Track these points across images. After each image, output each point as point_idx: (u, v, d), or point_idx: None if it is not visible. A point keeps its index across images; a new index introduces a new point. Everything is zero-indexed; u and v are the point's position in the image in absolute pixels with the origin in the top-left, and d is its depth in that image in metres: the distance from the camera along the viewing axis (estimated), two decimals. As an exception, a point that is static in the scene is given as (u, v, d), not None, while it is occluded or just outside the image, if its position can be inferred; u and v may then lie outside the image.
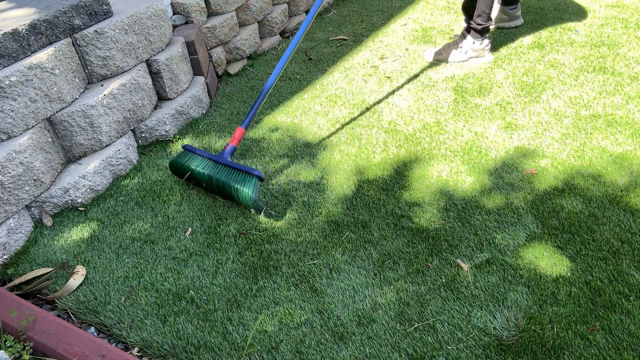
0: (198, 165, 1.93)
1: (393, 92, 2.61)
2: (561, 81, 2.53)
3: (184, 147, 2.01)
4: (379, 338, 1.46)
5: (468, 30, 2.71)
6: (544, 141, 2.14)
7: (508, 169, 2.02)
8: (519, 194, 1.89)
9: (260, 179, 1.82)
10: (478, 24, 2.62)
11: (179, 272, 1.72)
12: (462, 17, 3.34)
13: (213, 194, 2.00)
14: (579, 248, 1.66)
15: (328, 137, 2.32)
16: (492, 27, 3.13)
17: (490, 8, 2.61)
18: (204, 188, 1.99)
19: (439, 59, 2.81)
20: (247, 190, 1.80)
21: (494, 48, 2.90)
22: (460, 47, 2.74)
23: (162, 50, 2.39)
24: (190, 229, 1.89)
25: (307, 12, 3.66)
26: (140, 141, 2.35)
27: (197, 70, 2.64)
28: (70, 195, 1.97)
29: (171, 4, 2.73)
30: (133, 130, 2.31)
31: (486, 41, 2.70)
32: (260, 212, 1.90)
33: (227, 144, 1.94)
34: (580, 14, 3.20)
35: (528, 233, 1.73)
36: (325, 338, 1.47)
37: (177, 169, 2.02)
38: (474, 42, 2.69)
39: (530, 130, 2.22)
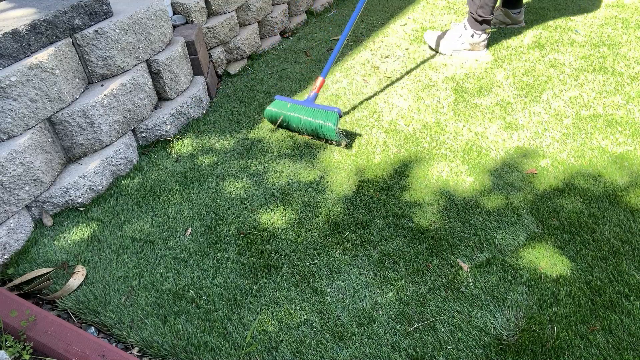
0: (290, 110, 2.31)
1: (393, 92, 2.61)
2: (561, 81, 2.53)
3: (275, 97, 2.41)
4: (379, 338, 1.46)
5: (469, 19, 2.70)
6: (544, 141, 2.14)
7: (508, 169, 2.02)
8: (519, 194, 1.89)
9: (340, 115, 2.22)
10: (480, 16, 2.60)
11: (179, 272, 1.72)
12: (462, 17, 3.34)
13: (302, 133, 2.36)
14: (579, 248, 1.66)
15: (328, 137, 2.32)
16: (491, 26, 3.13)
17: (495, 1, 2.58)
18: (293, 129, 2.37)
19: (437, 43, 2.81)
20: (330, 125, 2.17)
21: (495, 48, 2.90)
22: (459, 37, 2.73)
23: (162, 50, 2.39)
24: (190, 229, 1.89)
25: (307, 11, 3.66)
26: (140, 141, 2.35)
27: (197, 70, 2.64)
28: (70, 195, 1.97)
29: (171, 4, 2.73)
30: (133, 130, 2.31)
31: (484, 36, 2.69)
32: (340, 144, 2.24)
33: (311, 91, 2.36)
34: (580, 14, 3.20)
35: (528, 233, 1.73)
36: (326, 338, 1.47)
37: (272, 116, 2.39)
38: (472, 35, 2.68)
39: (531, 130, 2.22)
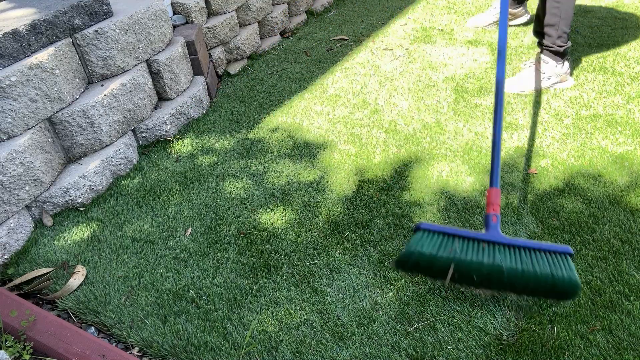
0: (463, 253, 1.37)
1: (393, 92, 2.61)
2: (561, 81, 2.53)
3: (420, 226, 1.45)
4: (379, 338, 1.46)
5: (547, 53, 2.43)
6: (544, 141, 2.14)
7: (508, 169, 2.02)
8: (519, 194, 1.89)
9: (571, 255, 1.36)
10: (559, 46, 2.40)
11: (179, 272, 1.72)
12: (462, 18, 3.34)
13: (491, 289, 1.45)
14: (579, 248, 1.66)
15: (328, 137, 2.32)
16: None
17: (569, 27, 2.36)
18: (477, 284, 1.40)
19: (523, 89, 2.50)
20: (571, 278, 1.30)
21: (495, 48, 2.90)
22: (544, 74, 2.46)
23: (162, 50, 2.39)
24: (190, 229, 1.89)
25: (307, 11, 3.66)
26: (140, 141, 2.35)
27: (197, 70, 2.64)
28: (70, 195, 1.97)
29: (171, 4, 2.73)
30: (133, 130, 2.31)
31: (567, 64, 2.46)
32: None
33: (488, 215, 1.44)
34: (580, 14, 3.20)
35: (528, 233, 1.73)
36: (326, 338, 1.47)
37: (424, 263, 1.41)
38: (556, 66, 2.43)
39: (531, 130, 2.22)
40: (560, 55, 2.40)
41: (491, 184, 1.51)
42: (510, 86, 2.53)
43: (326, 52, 3.13)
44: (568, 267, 1.32)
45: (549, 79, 2.47)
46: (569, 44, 2.40)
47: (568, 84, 2.50)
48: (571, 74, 2.55)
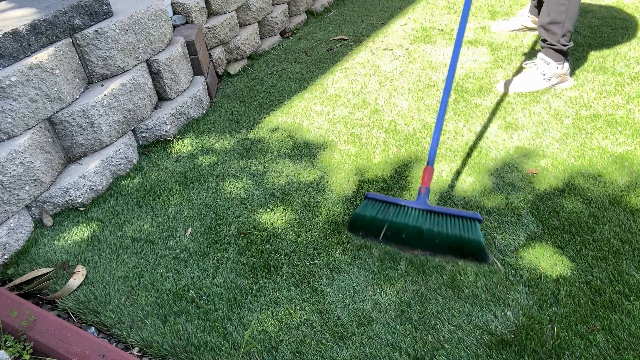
0: (395, 216, 1.64)
1: (393, 92, 2.61)
2: (561, 81, 2.53)
3: (368, 195, 1.72)
4: (379, 338, 1.46)
5: (548, 52, 2.40)
6: (544, 141, 2.14)
7: (508, 169, 2.02)
8: (520, 194, 1.89)
9: (480, 220, 1.59)
10: (563, 45, 2.34)
11: (179, 272, 1.72)
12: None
13: (415, 249, 1.69)
14: (579, 248, 1.66)
15: (328, 137, 2.32)
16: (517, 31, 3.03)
17: (574, 27, 2.31)
18: (404, 244, 1.67)
19: (519, 90, 2.49)
20: (475, 239, 1.56)
21: (495, 48, 2.90)
22: (544, 75, 2.43)
23: (162, 50, 2.39)
24: (190, 229, 1.89)
25: (307, 11, 3.66)
26: (140, 141, 2.35)
27: (197, 70, 2.64)
28: (70, 195, 1.97)
29: (171, 4, 2.73)
30: (133, 130, 2.31)
31: (567, 64, 2.43)
32: (488, 260, 1.63)
33: (420, 188, 1.69)
34: (580, 14, 3.20)
35: (528, 233, 1.73)
36: (326, 338, 1.47)
37: (366, 224, 1.69)
38: (557, 67, 2.40)
39: (531, 130, 2.22)
40: (562, 54, 2.39)
41: (428, 163, 1.74)
42: (511, 86, 2.52)
43: (326, 52, 3.13)
44: (475, 230, 1.58)
45: (550, 79, 2.45)
46: (572, 44, 2.39)
47: (568, 84, 2.49)
48: (571, 74, 2.55)
